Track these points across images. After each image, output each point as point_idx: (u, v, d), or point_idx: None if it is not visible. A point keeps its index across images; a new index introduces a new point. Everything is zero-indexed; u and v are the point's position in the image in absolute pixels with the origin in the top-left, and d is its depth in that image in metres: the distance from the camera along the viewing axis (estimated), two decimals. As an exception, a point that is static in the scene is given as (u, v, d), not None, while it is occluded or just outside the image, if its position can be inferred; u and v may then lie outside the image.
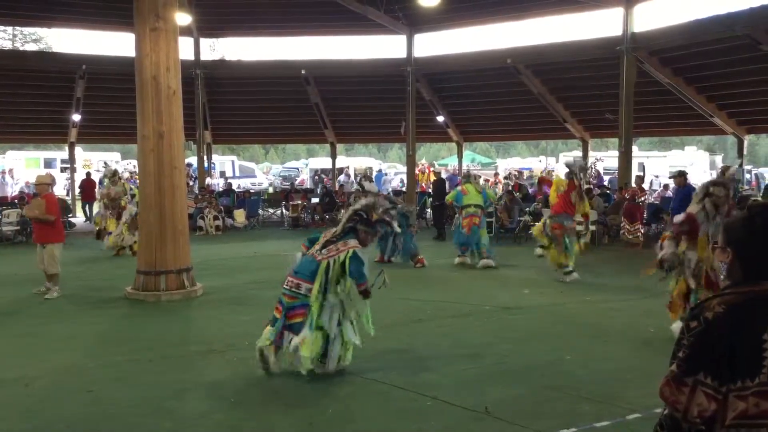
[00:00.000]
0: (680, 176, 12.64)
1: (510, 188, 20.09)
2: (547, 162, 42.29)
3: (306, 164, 41.40)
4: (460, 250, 12.84)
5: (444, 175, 22.93)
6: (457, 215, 13.19)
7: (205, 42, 22.73)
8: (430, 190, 23.01)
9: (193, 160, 24.30)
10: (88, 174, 22.61)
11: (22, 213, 11.02)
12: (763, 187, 25.75)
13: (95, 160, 31.49)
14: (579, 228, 11.02)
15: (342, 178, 27.01)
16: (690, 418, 1.94)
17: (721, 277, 1.93)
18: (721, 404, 1.93)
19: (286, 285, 5.95)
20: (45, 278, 9.82)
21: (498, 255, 12.73)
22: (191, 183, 22.25)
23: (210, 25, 22.02)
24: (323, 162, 34.94)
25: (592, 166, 23.30)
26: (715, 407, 1.92)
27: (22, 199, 17.88)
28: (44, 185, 10.05)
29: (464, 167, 15.88)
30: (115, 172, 15.42)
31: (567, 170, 11.24)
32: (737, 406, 1.92)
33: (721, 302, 1.97)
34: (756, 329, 1.93)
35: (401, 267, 12.16)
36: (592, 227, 14.85)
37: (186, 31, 18.40)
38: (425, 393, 5.51)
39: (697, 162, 32.93)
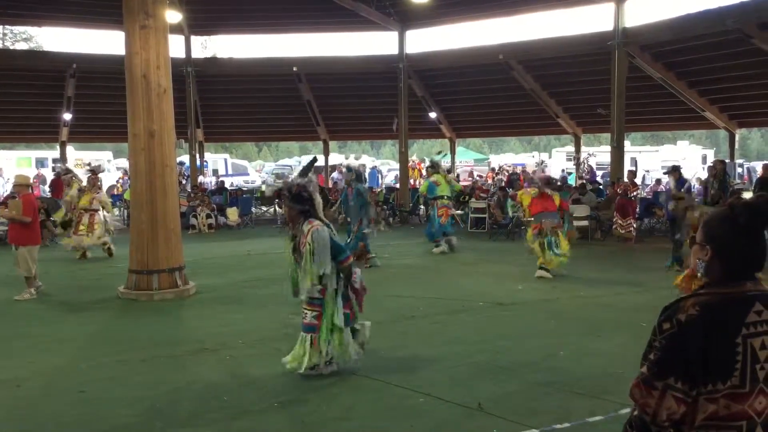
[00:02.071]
0: (674, 171, 12.70)
1: (502, 184, 20.10)
2: (540, 157, 42.27)
3: (299, 162, 41.34)
4: (436, 241, 13.41)
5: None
6: (431, 207, 13.49)
7: (196, 40, 22.61)
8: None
9: (185, 158, 24.20)
10: (58, 174, 22.40)
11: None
12: (755, 181, 25.81)
13: (87, 159, 31.30)
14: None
15: (335, 175, 26.91)
16: (658, 421, 1.92)
17: (699, 275, 1.91)
18: (691, 407, 1.91)
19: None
20: (34, 279, 9.70)
21: (491, 251, 12.77)
22: (183, 181, 22.17)
23: (201, 22, 21.92)
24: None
25: (585, 161, 23.38)
26: (685, 410, 1.90)
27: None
28: (22, 186, 9.87)
29: (429, 159, 15.55)
30: (68, 171, 15.03)
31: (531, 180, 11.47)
32: (707, 408, 1.89)
33: (695, 303, 1.94)
34: (729, 332, 1.90)
35: (393, 263, 12.15)
36: (584, 222, 14.91)
37: (177, 29, 18.33)
38: (418, 390, 5.50)
39: (689, 156, 33.05)
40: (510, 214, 12.04)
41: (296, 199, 5.76)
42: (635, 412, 1.99)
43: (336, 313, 5.77)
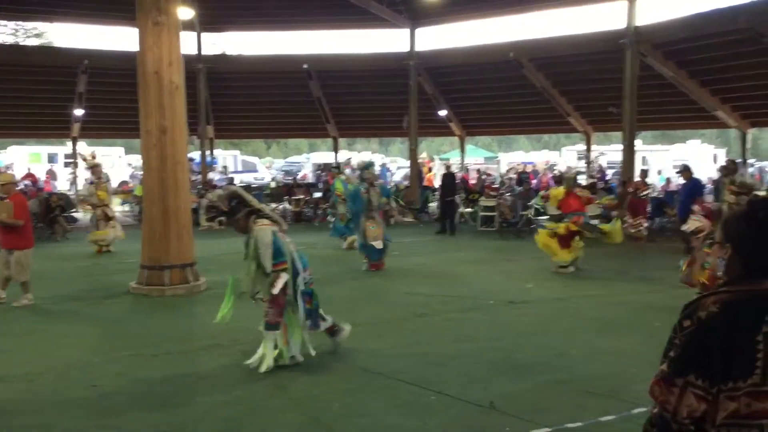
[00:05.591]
0: (685, 170, 12.63)
1: (514, 184, 20.05)
2: (549, 157, 42.10)
3: (308, 158, 41.32)
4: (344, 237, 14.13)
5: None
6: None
7: (207, 37, 22.66)
8: (427, 184, 23.07)
9: (195, 154, 24.28)
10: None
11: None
12: (767, 180, 25.68)
13: (98, 155, 31.41)
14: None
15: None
16: (679, 418, 1.91)
17: (719, 273, 1.89)
18: (712, 404, 1.90)
19: (308, 277, 6.31)
20: (3, 285, 9.00)
21: (501, 249, 12.81)
22: (194, 178, 22.24)
23: (212, 19, 21.95)
24: (325, 156, 34.82)
25: (595, 160, 23.30)
26: (705, 408, 1.89)
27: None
28: (10, 185, 9.04)
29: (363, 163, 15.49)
30: None
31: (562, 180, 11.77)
32: (728, 406, 1.88)
33: (715, 301, 1.93)
34: (750, 329, 1.89)
35: (403, 261, 12.14)
36: (596, 221, 14.86)
37: (188, 26, 18.33)
38: (430, 387, 5.50)
39: (699, 156, 32.82)
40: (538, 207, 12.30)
41: (231, 211, 6.22)
42: (655, 410, 1.98)
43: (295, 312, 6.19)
